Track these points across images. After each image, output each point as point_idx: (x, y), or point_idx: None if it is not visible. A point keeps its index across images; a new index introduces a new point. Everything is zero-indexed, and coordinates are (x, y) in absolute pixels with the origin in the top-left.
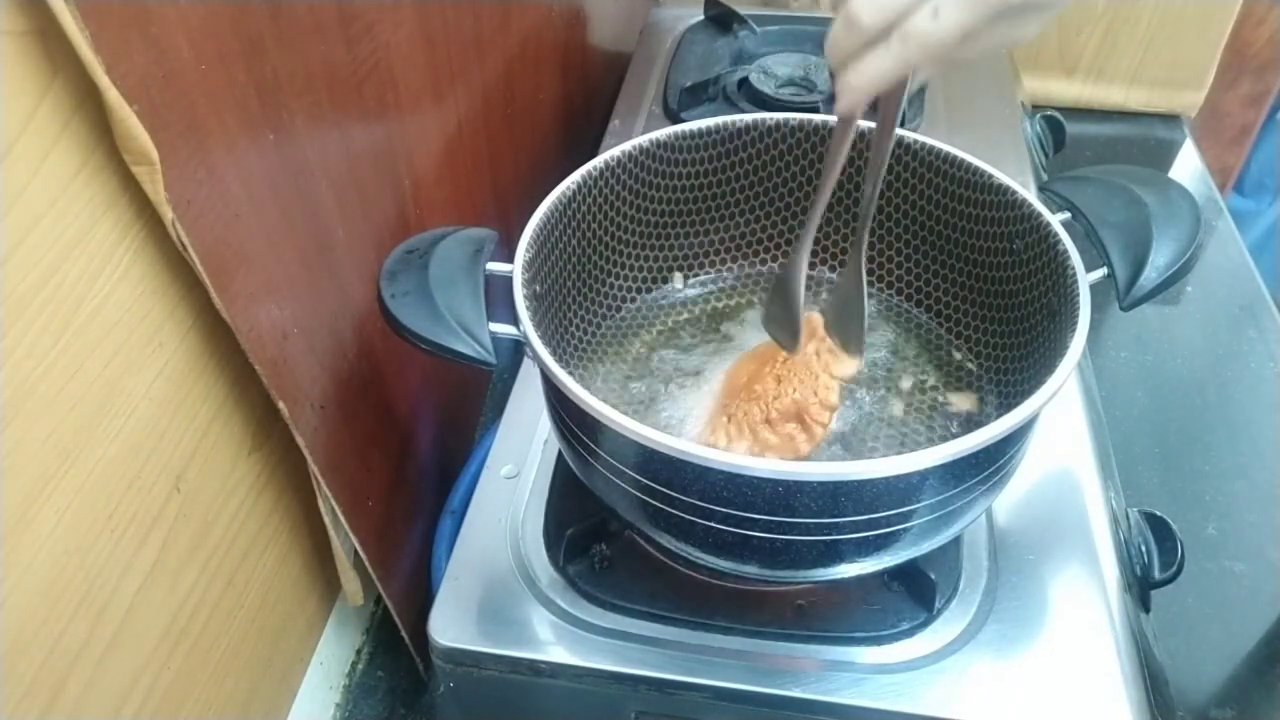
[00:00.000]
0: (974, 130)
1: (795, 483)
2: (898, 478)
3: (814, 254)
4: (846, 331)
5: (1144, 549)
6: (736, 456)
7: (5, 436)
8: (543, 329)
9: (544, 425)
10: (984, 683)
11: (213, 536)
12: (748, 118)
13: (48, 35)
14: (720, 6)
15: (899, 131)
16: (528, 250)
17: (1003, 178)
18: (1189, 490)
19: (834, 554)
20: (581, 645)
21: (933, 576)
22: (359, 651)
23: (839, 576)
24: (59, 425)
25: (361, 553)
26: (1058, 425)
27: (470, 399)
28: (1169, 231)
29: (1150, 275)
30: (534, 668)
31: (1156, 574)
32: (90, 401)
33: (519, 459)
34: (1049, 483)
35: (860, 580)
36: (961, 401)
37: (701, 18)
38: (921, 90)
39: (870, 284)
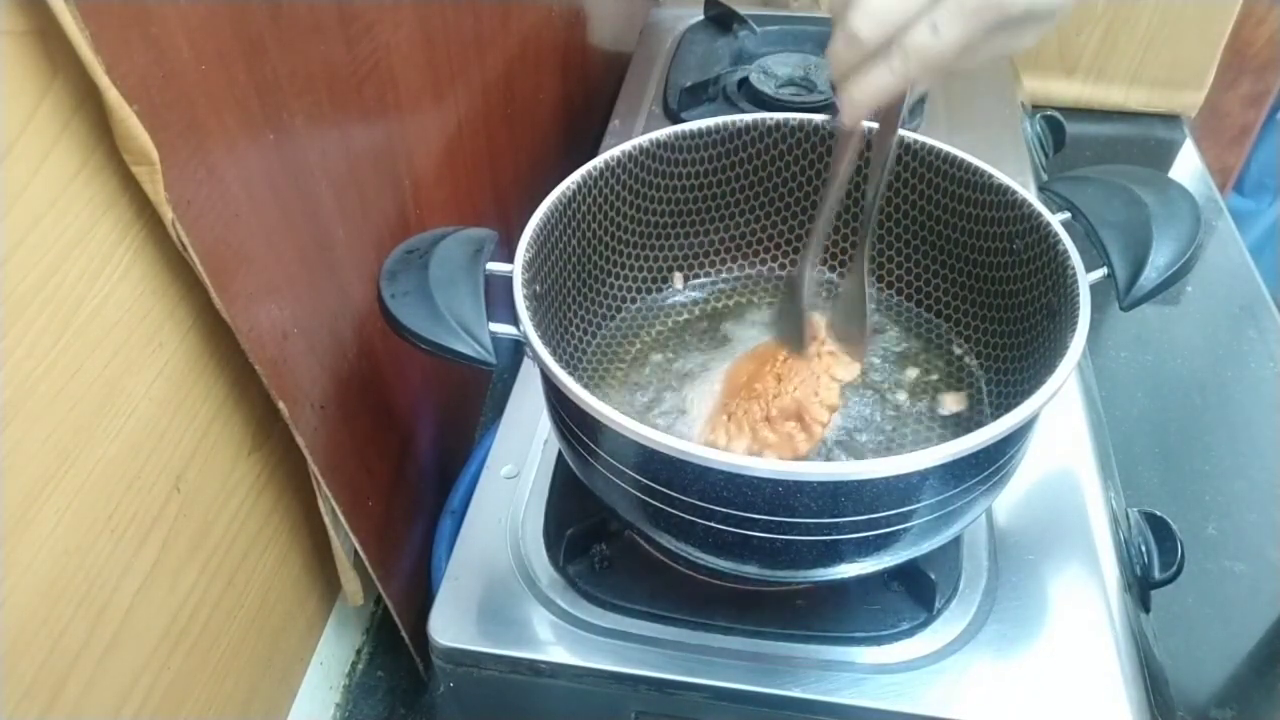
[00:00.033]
0: (974, 130)
1: (795, 483)
2: (898, 478)
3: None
4: (849, 334)
5: (1144, 549)
6: (736, 456)
7: (5, 436)
8: (543, 329)
9: (544, 425)
10: (984, 683)
11: (213, 536)
12: (748, 118)
13: (48, 35)
14: (720, 6)
15: (899, 131)
16: (528, 250)
17: (1003, 178)
18: (1189, 490)
19: (834, 554)
20: (581, 645)
21: (933, 576)
22: (359, 651)
23: (839, 576)
24: (59, 425)
25: (361, 553)
26: (1058, 425)
27: (470, 399)
28: (1169, 231)
29: (1150, 275)
30: (534, 668)
31: (1156, 574)
32: (90, 401)
33: (519, 459)
34: (1049, 483)
35: (860, 580)
36: (952, 402)
37: (701, 18)
38: (922, 96)
39: (871, 284)
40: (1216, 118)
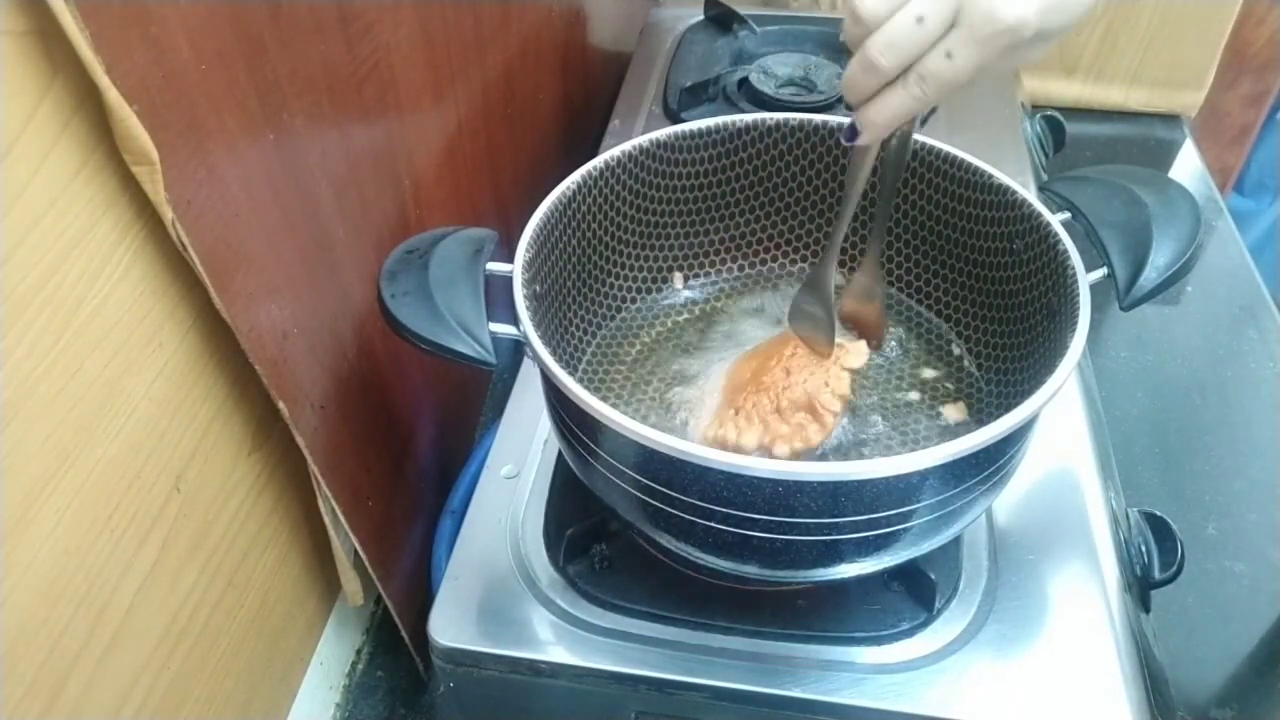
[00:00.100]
0: (974, 130)
1: (795, 483)
2: (898, 478)
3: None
4: (866, 322)
5: (1144, 549)
6: (737, 456)
7: (5, 436)
8: (543, 329)
9: (544, 425)
10: (984, 683)
11: (213, 536)
12: (748, 118)
13: (48, 35)
14: (720, 6)
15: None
16: (528, 250)
17: (1003, 178)
18: (1189, 490)
19: (834, 554)
20: (581, 645)
21: (933, 576)
22: (359, 651)
23: (839, 576)
24: (59, 425)
25: (361, 553)
26: (1058, 425)
27: (470, 399)
28: (1169, 231)
29: (1150, 275)
30: (534, 668)
31: (1156, 574)
32: (90, 401)
33: (519, 459)
34: (1049, 483)
35: (860, 580)
36: (953, 413)
37: (701, 18)
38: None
39: (882, 275)
40: (1216, 118)
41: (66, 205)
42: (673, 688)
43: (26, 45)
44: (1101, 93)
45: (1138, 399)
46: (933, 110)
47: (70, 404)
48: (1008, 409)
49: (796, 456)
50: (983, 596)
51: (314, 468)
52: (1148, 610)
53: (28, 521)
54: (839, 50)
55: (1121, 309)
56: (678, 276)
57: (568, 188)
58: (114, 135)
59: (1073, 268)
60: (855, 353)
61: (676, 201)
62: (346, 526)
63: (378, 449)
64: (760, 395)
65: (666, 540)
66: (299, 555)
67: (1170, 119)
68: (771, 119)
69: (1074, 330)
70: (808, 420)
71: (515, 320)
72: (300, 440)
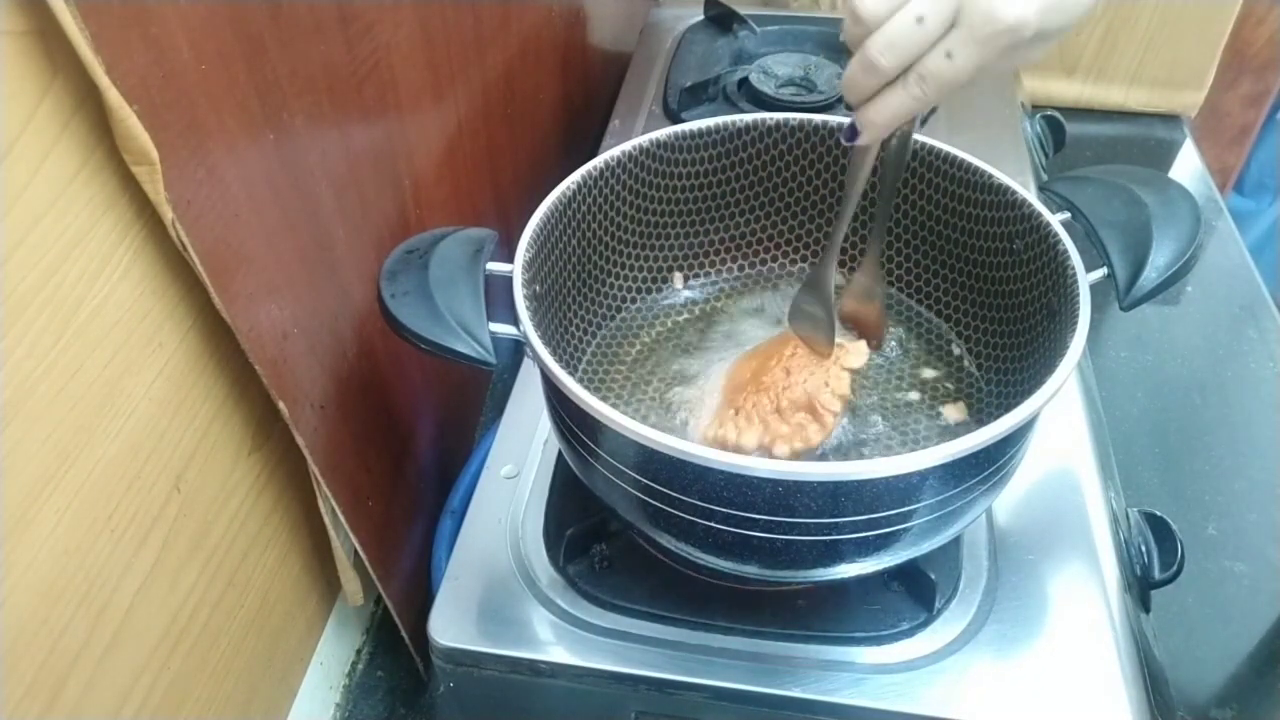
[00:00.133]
0: (974, 130)
1: (795, 483)
2: (898, 478)
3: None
4: (866, 323)
5: (1144, 549)
6: (737, 456)
7: (5, 436)
8: (543, 329)
9: (544, 425)
10: (984, 683)
11: (213, 536)
12: (748, 118)
13: (48, 35)
14: (720, 6)
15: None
16: (528, 250)
17: (1003, 178)
18: (1189, 490)
19: (834, 554)
20: (581, 645)
21: (933, 576)
22: (359, 651)
23: (839, 576)
24: (59, 425)
25: (361, 553)
26: (1058, 425)
27: (470, 399)
28: (1169, 231)
29: (1150, 275)
30: (534, 668)
31: (1156, 574)
32: (90, 401)
33: (519, 459)
34: (1049, 483)
35: (860, 580)
36: (953, 413)
37: (701, 18)
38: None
39: (882, 275)
40: (1216, 118)
41: (66, 205)
42: (673, 688)
43: (26, 45)
44: (1101, 93)
45: (1138, 399)
46: (933, 110)
47: (70, 404)
48: (1008, 409)
49: (796, 456)
50: (983, 596)
51: (314, 468)
52: (1148, 610)
53: (28, 521)
54: (839, 50)
55: (1121, 309)
56: (678, 276)
57: (568, 188)
58: (114, 135)
59: (1073, 268)
60: (855, 353)
61: (676, 201)
62: (346, 526)
63: (378, 449)
64: (760, 395)
65: (666, 540)
66: (299, 555)
67: (1170, 119)
68: (771, 119)
69: (1074, 330)
70: (808, 420)
71: (515, 320)
72: (300, 440)
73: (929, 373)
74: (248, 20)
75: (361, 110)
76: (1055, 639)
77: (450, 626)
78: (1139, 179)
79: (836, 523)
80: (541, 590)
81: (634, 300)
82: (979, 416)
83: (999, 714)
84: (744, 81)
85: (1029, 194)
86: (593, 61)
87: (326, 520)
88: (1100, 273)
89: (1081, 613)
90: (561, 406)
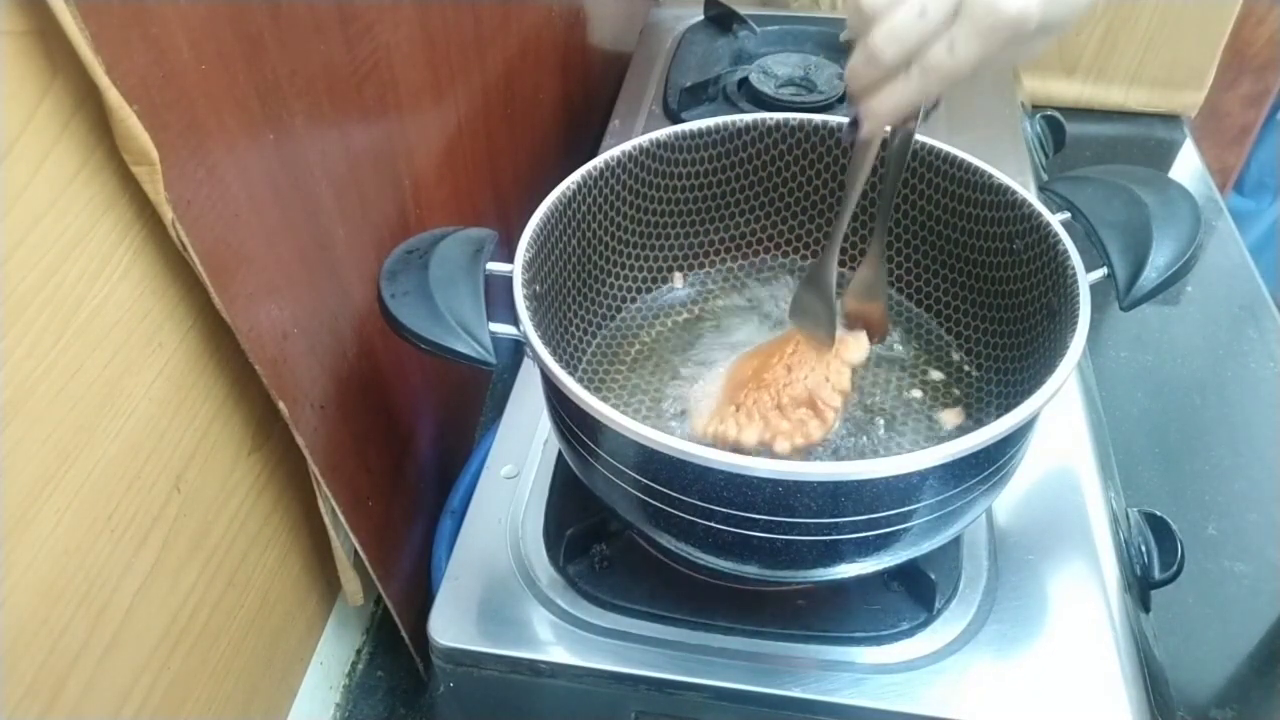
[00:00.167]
0: (974, 130)
1: (795, 483)
2: (898, 478)
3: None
4: (869, 319)
5: (1144, 549)
6: (737, 457)
7: (5, 436)
8: (543, 329)
9: (544, 425)
10: (984, 683)
11: (213, 536)
12: (748, 118)
13: (48, 35)
14: (720, 6)
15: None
16: (528, 250)
17: (1003, 178)
18: (1189, 490)
19: (834, 554)
20: (581, 645)
21: (933, 576)
22: (359, 651)
23: (839, 576)
24: (59, 425)
25: (361, 553)
26: (1058, 425)
27: (470, 399)
28: (1169, 231)
29: (1150, 275)
30: (534, 668)
31: (1156, 574)
32: (90, 401)
33: (519, 459)
34: (1049, 483)
35: (860, 580)
36: (949, 418)
37: (701, 18)
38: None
39: (885, 267)
40: (1216, 118)
41: (66, 205)
42: (673, 688)
43: (26, 45)
44: (1101, 93)
45: (1138, 399)
46: (935, 104)
47: (70, 404)
48: (1008, 409)
49: (798, 452)
50: (983, 596)
51: (314, 468)
52: (1148, 610)
53: (28, 521)
54: (839, 50)
55: (1121, 309)
56: (678, 276)
57: (568, 188)
58: (114, 135)
59: (1073, 268)
60: (856, 346)
61: (676, 201)
62: (346, 526)
63: (378, 449)
64: (761, 392)
65: (666, 540)
66: (299, 555)
67: (1170, 119)
68: (771, 119)
69: (1074, 330)
70: (809, 416)
71: (515, 320)
72: (300, 440)
73: (929, 374)
74: (248, 20)
75: (361, 110)
76: (1055, 639)
77: (450, 626)
78: (1139, 179)
79: (836, 523)
80: (541, 590)
81: (634, 300)
82: (977, 418)
83: (999, 714)
84: (744, 81)
85: (1029, 194)
86: (593, 61)
87: (326, 520)
88: (1100, 273)
89: (1081, 613)
90: (561, 406)
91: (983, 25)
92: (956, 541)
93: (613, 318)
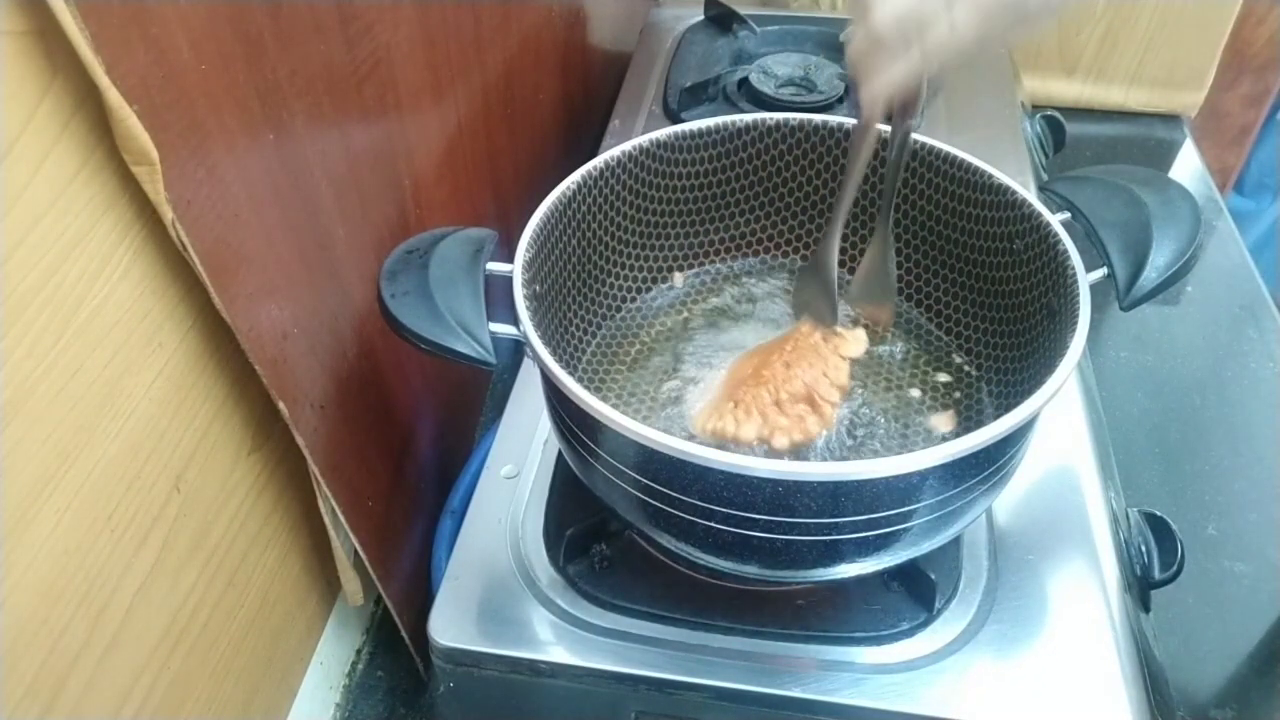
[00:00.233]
0: (974, 130)
1: (795, 483)
2: (898, 478)
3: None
4: (875, 298)
5: (1144, 549)
6: (737, 457)
7: (5, 436)
8: (543, 329)
9: (544, 425)
10: (984, 683)
11: (213, 536)
12: (748, 118)
13: (48, 35)
14: (720, 6)
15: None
16: (528, 250)
17: (1003, 178)
18: (1189, 490)
19: (834, 554)
20: (581, 645)
21: (933, 576)
22: (359, 651)
23: (839, 576)
24: (59, 425)
25: (361, 553)
26: (1058, 425)
27: (470, 399)
28: (1169, 231)
29: (1150, 275)
30: (534, 668)
31: (1156, 574)
32: (90, 401)
33: (519, 459)
34: (1049, 483)
35: (860, 580)
36: (941, 423)
37: (701, 18)
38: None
39: (892, 248)
40: (1216, 118)
41: (66, 205)
42: (673, 688)
43: (26, 45)
44: (1101, 93)
45: (1138, 399)
46: (936, 93)
47: (70, 404)
48: (1008, 409)
49: (796, 449)
50: (983, 596)
51: (314, 468)
52: (1148, 610)
53: (28, 521)
54: (839, 50)
55: (1121, 309)
56: (678, 276)
57: (568, 188)
58: (114, 135)
59: (1073, 268)
60: (854, 341)
61: (676, 201)
62: (346, 526)
63: (378, 449)
64: (760, 389)
65: (666, 540)
66: (299, 555)
67: (1170, 119)
68: (771, 119)
69: (1074, 330)
70: (807, 412)
71: (515, 320)
72: (300, 440)
73: (929, 373)
74: (248, 20)
75: (361, 110)
76: (1055, 639)
77: (450, 626)
78: (1139, 179)
79: (836, 523)
80: (541, 590)
81: (634, 300)
82: (967, 425)
83: (999, 714)
84: (744, 81)
85: (1029, 194)
86: (593, 61)
87: (326, 520)
88: (1100, 273)
89: (1081, 613)
90: (561, 406)
91: (984, 4)
92: (956, 541)
93: (612, 317)
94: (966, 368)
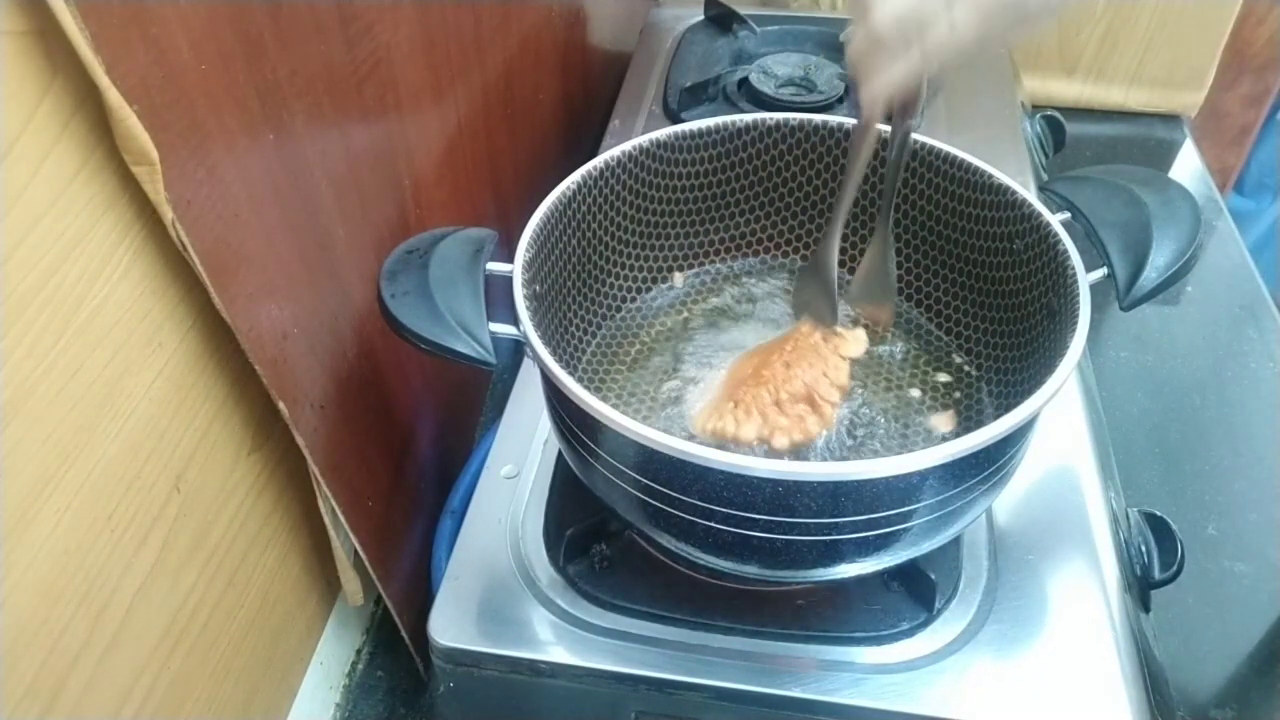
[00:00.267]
0: (974, 130)
1: (795, 483)
2: (898, 478)
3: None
4: (875, 298)
5: (1144, 549)
6: (737, 457)
7: (5, 436)
8: (543, 329)
9: (544, 425)
10: (984, 683)
11: (213, 536)
12: (748, 118)
13: (48, 35)
14: (720, 6)
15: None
16: (528, 250)
17: (1003, 178)
18: (1189, 490)
19: (834, 554)
20: (581, 645)
21: (933, 576)
22: (359, 651)
23: (839, 576)
24: (59, 425)
25: (361, 553)
26: (1058, 425)
27: (470, 399)
28: (1169, 231)
29: (1150, 275)
30: (534, 668)
31: (1156, 574)
32: (90, 401)
33: (519, 459)
34: (1049, 483)
35: (860, 580)
36: (941, 423)
37: (701, 18)
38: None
39: (892, 247)
40: (1216, 118)
41: (66, 205)
42: (673, 688)
43: (26, 45)
44: (1101, 93)
45: (1138, 399)
46: (936, 93)
47: (70, 404)
48: (1008, 409)
49: (796, 448)
50: (983, 596)
51: (314, 468)
52: (1148, 610)
53: (28, 521)
54: (839, 50)
55: (1121, 309)
56: (678, 276)
57: (568, 188)
58: (114, 135)
59: (1073, 268)
60: (854, 341)
61: (676, 201)
62: (346, 526)
63: (378, 449)
64: (760, 389)
65: (666, 540)
66: (299, 555)
67: (1170, 119)
68: (771, 119)
69: (1074, 330)
70: (807, 412)
71: (515, 320)
72: (300, 440)
73: (929, 374)
74: (248, 20)
75: (361, 110)
76: (1055, 639)
77: (450, 626)
78: (1139, 179)
79: (836, 523)
80: (541, 590)
81: (634, 300)
82: (967, 425)
83: (999, 714)
84: (744, 81)
85: (1029, 194)
86: (593, 61)
87: (326, 520)
88: (1100, 273)
89: (1081, 613)
90: (561, 406)
91: (984, 5)
92: (956, 541)
93: (612, 317)
94: (966, 368)
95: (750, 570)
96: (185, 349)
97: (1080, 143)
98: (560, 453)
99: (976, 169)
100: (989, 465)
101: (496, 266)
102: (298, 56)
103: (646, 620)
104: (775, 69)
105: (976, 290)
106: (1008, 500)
